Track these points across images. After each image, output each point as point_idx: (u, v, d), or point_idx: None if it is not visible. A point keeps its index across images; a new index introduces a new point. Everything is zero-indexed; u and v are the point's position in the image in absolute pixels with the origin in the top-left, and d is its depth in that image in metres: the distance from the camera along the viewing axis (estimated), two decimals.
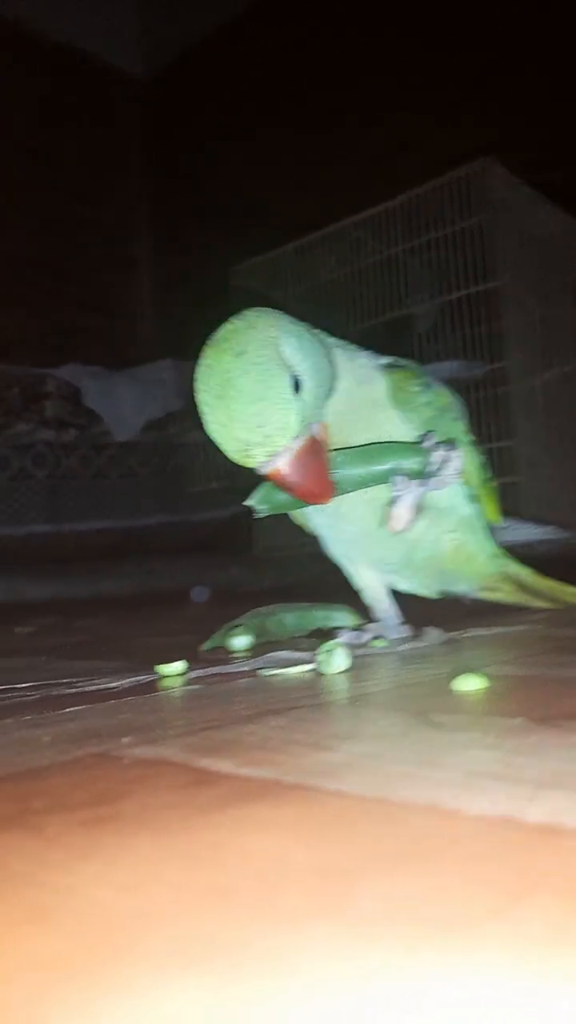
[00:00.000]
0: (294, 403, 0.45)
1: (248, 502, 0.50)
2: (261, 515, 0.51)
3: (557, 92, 2.04)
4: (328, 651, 0.41)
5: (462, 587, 0.68)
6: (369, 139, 2.32)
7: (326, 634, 0.65)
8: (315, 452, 0.47)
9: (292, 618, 0.65)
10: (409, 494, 0.53)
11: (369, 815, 0.19)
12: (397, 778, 0.22)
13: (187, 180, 2.72)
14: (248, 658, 0.50)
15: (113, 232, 2.71)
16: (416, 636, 0.59)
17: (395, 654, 0.50)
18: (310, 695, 0.36)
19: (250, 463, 0.45)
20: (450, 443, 0.53)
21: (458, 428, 0.61)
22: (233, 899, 0.15)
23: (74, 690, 0.42)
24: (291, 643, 0.60)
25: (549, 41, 2.05)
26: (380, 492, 0.56)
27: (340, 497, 0.55)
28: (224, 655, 0.56)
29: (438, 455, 0.52)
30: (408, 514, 0.54)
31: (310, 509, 0.61)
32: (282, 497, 0.50)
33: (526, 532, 0.78)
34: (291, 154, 2.44)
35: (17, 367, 2.16)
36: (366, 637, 0.58)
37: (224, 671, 0.44)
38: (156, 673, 0.45)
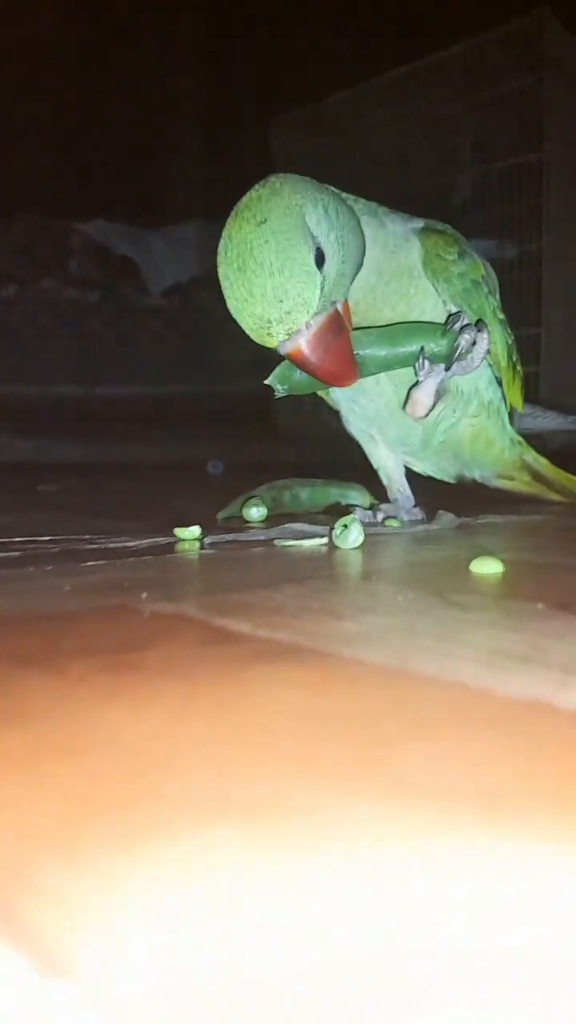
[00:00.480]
0: (316, 276, 0.43)
1: (267, 381, 0.50)
2: (279, 395, 0.50)
3: None
4: (344, 525, 0.43)
5: (479, 473, 0.68)
6: None
7: (341, 510, 0.67)
8: (337, 330, 0.45)
9: (307, 493, 0.66)
10: (432, 379, 0.53)
11: (395, 684, 0.19)
12: (417, 651, 0.22)
13: (230, 25, 2.51)
14: (264, 528, 0.52)
15: (152, 80, 2.54)
16: (430, 519, 0.60)
17: (408, 534, 0.52)
18: (326, 567, 0.38)
19: (270, 342, 0.44)
20: (479, 324, 0.52)
21: (491, 304, 0.59)
22: (271, 751, 0.15)
23: (94, 546, 0.44)
24: (306, 517, 0.61)
25: None
26: (405, 371, 0.56)
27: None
28: (240, 524, 0.58)
29: (466, 338, 0.51)
30: (428, 400, 0.54)
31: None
32: (301, 377, 0.50)
33: (547, 421, 0.77)
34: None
35: (45, 218, 2.08)
36: (380, 516, 0.59)
37: (240, 539, 0.46)
38: (174, 536, 0.47)
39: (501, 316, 0.61)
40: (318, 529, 0.48)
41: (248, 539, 0.46)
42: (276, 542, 0.44)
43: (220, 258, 0.44)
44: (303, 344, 0.44)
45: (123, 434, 2.15)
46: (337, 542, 0.43)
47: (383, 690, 0.19)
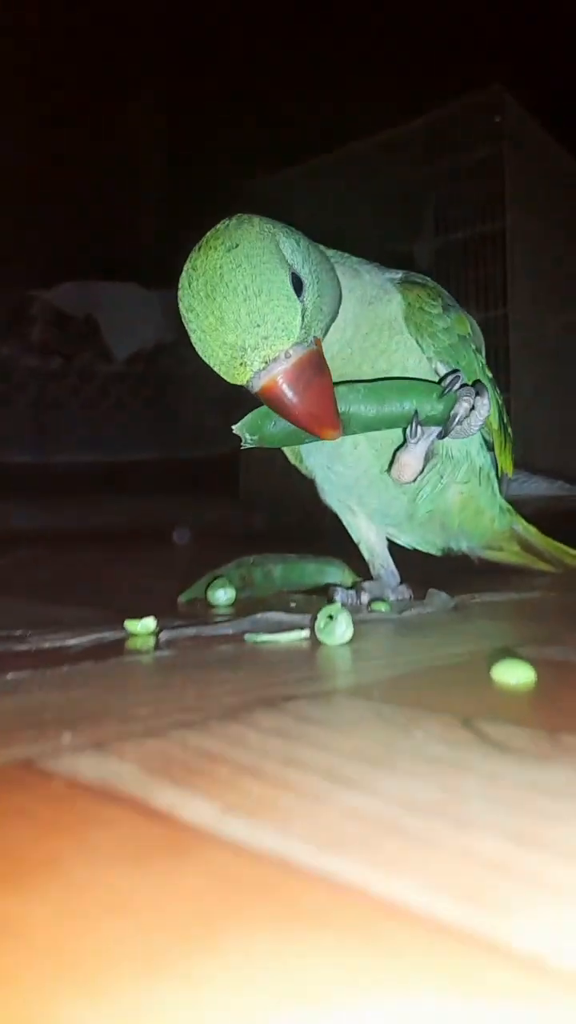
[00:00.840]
0: (295, 302, 0.38)
1: (236, 428, 0.43)
2: (249, 445, 0.44)
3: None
4: (329, 616, 0.35)
5: (466, 544, 0.63)
6: (383, 62, 2.17)
7: (318, 591, 0.60)
8: (318, 368, 0.40)
9: (280, 570, 0.59)
10: (423, 442, 0.47)
11: (467, 966, 0.10)
12: (489, 877, 0.13)
13: (196, 96, 2.56)
14: (232, 617, 0.44)
15: (117, 149, 2.55)
16: (421, 600, 0.53)
17: (400, 621, 0.45)
18: (310, 677, 0.30)
19: (242, 375, 0.38)
20: (476, 386, 0.46)
21: (479, 362, 0.54)
22: None
23: (24, 646, 0.36)
24: (281, 601, 0.54)
25: None
26: (387, 434, 0.50)
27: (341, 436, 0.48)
28: (204, 609, 0.51)
29: (465, 404, 0.45)
30: (418, 464, 0.48)
31: (306, 447, 0.54)
32: (275, 428, 0.43)
33: (533, 486, 0.72)
34: (303, 70, 2.29)
35: (3, 287, 2.04)
36: (364, 597, 0.52)
37: (203, 632, 0.38)
38: (124, 630, 0.39)
39: (489, 375, 0.55)
40: (296, 619, 0.41)
41: (213, 633, 0.38)
42: (247, 637, 0.37)
43: (183, 291, 0.38)
44: (281, 376, 0.38)
45: (83, 502, 2.08)
46: (321, 637, 0.36)
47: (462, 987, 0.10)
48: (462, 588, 0.62)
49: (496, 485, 0.60)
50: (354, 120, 1.83)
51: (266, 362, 0.37)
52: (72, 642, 0.37)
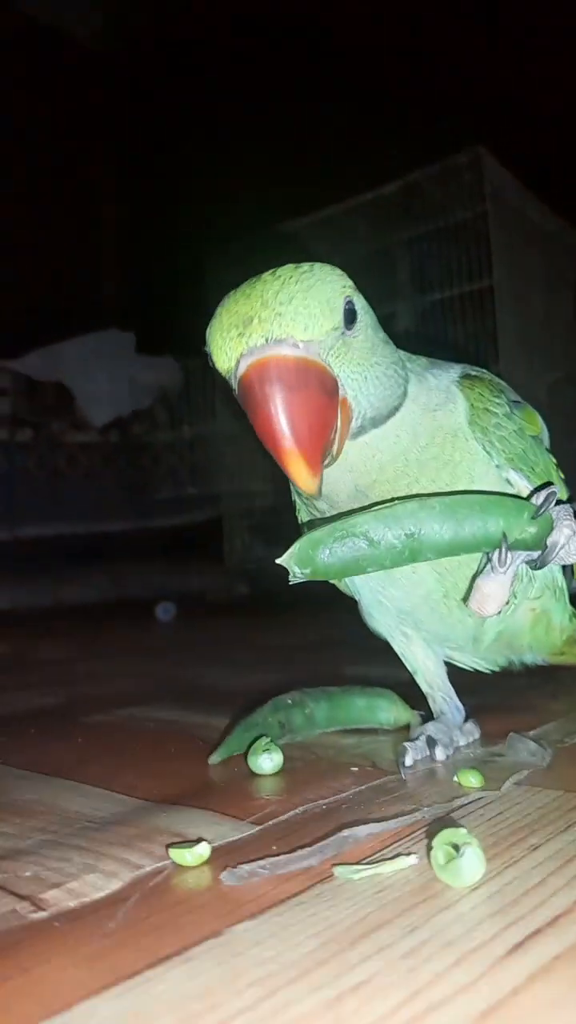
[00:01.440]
0: (337, 311, 0.34)
1: (281, 561, 0.35)
2: (298, 580, 0.35)
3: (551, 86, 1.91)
4: (452, 846, 0.26)
5: (530, 658, 0.54)
6: (355, 125, 2.17)
7: (368, 732, 0.51)
8: (325, 387, 0.33)
9: (324, 709, 0.50)
10: (510, 569, 0.38)
11: None
12: None
13: (158, 159, 2.53)
14: (309, 842, 0.35)
15: (77, 215, 2.51)
16: (496, 746, 0.44)
17: (506, 800, 0.36)
18: (466, 965, 0.21)
19: (232, 352, 0.33)
20: (574, 507, 0.38)
21: (551, 465, 0.46)
22: None
23: (19, 922, 0.26)
24: (367, 808, 0.45)
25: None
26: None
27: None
28: (245, 781, 0.41)
29: (567, 528, 0.37)
30: (504, 594, 0.39)
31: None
32: (329, 556, 0.35)
33: None
34: (273, 136, 2.27)
35: None
36: (440, 754, 0.43)
37: (279, 868, 0.28)
38: (167, 857, 0.30)
39: (562, 475, 0.48)
40: (401, 822, 0.31)
41: (291, 868, 0.28)
42: (338, 871, 0.28)
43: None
44: (272, 362, 0.32)
45: (55, 577, 1.97)
46: (442, 875, 0.27)
47: None
48: (519, 711, 0.54)
49: (567, 595, 0.52)
50: (329, 183, 1.81)
51: (266, 340, 0.32)
52: (104, 894, 0.27)
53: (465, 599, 0.42)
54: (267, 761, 0.42)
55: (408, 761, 0.42)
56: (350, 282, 0.36)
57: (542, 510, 0.37)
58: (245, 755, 0.43)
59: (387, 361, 0.39)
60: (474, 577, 0.41)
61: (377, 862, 0.28)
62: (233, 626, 1.47)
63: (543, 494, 0.37)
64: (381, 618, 0.49)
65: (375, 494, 0.40)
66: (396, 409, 0.39)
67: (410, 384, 0.41)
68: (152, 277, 2.38)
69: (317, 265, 0.35)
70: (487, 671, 0.54)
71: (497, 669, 0.54)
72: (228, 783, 0.41)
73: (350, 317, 0.35)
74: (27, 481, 2.03)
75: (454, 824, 0.29)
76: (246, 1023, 0.19)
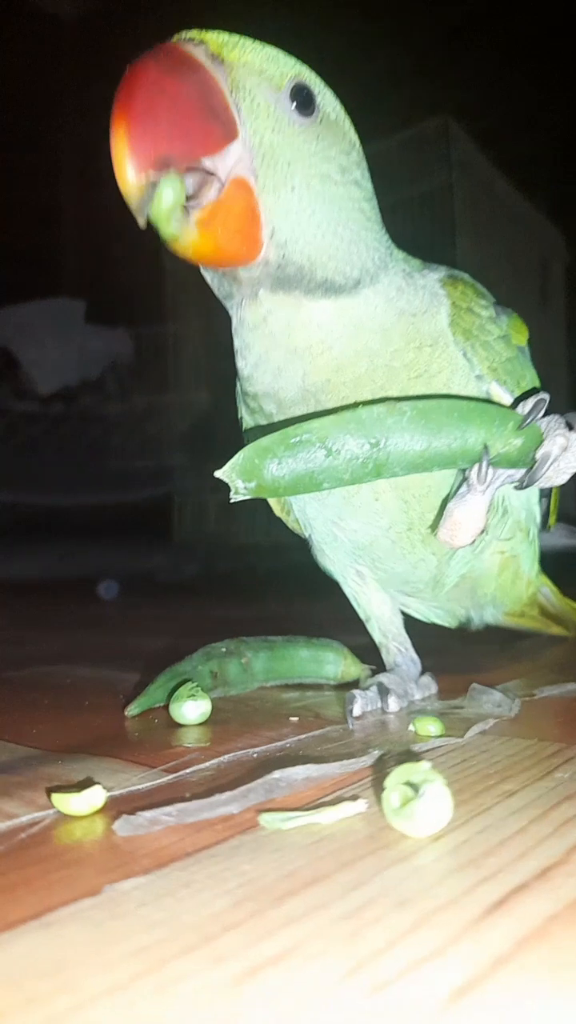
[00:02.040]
0: (271, 62, 0.30)
1: (221, 474, 0.29)
2: (242, 497, 0.29)
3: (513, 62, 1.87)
4: (410, 785, 0.21)
5: (491, 614, 0.49)
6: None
7: (312, 687, 0.45)
8: (188, 67, 0.28)
9: (263, 659, 0.44)
10: (488, 492, 0.33)
11: None
12: None
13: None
14: (218, 764, 0.29)
15: (37, 180, 2.40)
16: (457, 698, 0.39)
17: (468, 747, 0.30)
18: (429, 929, 0.15)
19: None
20: (568, 416, 0.33)
21: (538, 381, 0.41)
22: None
23: None
24: (270, 711, 0.39)
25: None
26: (418, 479, 0.36)
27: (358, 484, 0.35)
28: (166, 733, 0.35)
29: (559, 438, 0.31)
30: (479, 522, 0.34)
31: (306, 497, 0.40)
32: (279, 467, 0.29)
33: (555, 538, 0.59)
34: None
35: None
36: (393, 704, 0.37)
37: (188, 815, 0.22)
38: (52, 806, 0.24)
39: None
40: (345, 765, 0.26)
41: (203, 815, 0.22)
42: (264, 820, 0.22)
43: None
44: (168, 47, 0.28)
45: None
46: (395, 822, 0.21)
47: None
48: (481, 670, 0.49)
49: (538, 543, 0.47)
50: None
51: (180, 39, 0.29)
52: None
53: (433, 528, 0.37)
54: (192, 709, 0.35)
55: (356, 710, 0.36)
56: (310, 72, 0.32)
57: (529, 419, 0.31)
58: (168, 705, 0.37)
59: (351, 203, 0.33)
60: (444, 504, 0.36)
61: (315, 809, 0.22)
62: (176, 603, 1.41)
63: (531, 401, 0.32)
64: (333, 555, 0.43)
65: (331, 399, 0.34)
66: (357, 285, 0.33)
67: (386, 272, 0.35)
68: (108, 245, 2.29)
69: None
70: (444, 624, 0.49)
71: (454, 624, 0.49)
72: (144, 733, 0.35)
73: (301, 99, 0.31)
74: None
75: (412, 759, 0.23)
76: (113, 1009, 0.13)
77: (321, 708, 0.39)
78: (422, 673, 0.43)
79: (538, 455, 0.32)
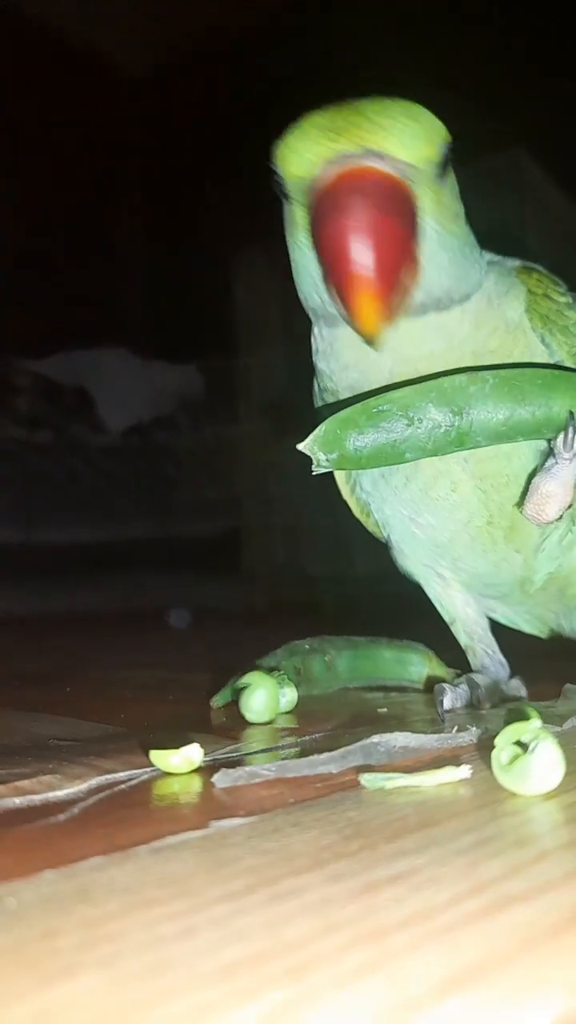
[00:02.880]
0: (434, 146, 0.30)
1: (303, 446, 0.29)
2: (323, 469, 0.30)
3: None
4: (518, 744, 0.20)
5: None
6: None
7: (399, 687, 0.44)
8: (409, 222, 0.29)
9: (347, 659, 0.43)
10: (574, 460, 0.32)
11: None
12: None
13: (184, 169, 2.54)
14: (311, 738, 0.28)
15: (104, 223, 2.51)
16: (552, 700, 0.38)
17: (565, 736, 0.29)
18: (551, 861, 0.15)
19: (313, 155, 0.28)
20: None
21: None
22: None
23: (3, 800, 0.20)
24: (356, 703, 0.38)
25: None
26: (497, 469, 0.36)
27: (433, 467, 0.35)
28: (257, 724, 0.35)
29: None
30: (568, 494, 0.33)
31: (384, 491, 0.39)
32: (360, 439, 0.29)
33: None
34: None
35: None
36: (485, 701, 0.36)
37: (289, 771, 0.22)
38: (150, 764, 0.24)
39: None
40: (444, 739, 0.25)
41: (304, 771, 0.22)
42: (365, 779, 0.21)
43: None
44: (368, 173, 0.28)
45: (70, 583, 1.92)
46: (505, 780, 0.20)
47: None
48: (567, 678, 0.47)
49: None
50: None
51: (362, 149, 0.28)
52: (65, 792, 0.21)
53: (521, 508, 0.36)
54: (283, 697, 0.35)
55: (447, 703, 0.35)
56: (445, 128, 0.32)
57: None
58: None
59: (465, 236, 0.34)
60: (528, 482, 0.35)
61: (416, 776, 0.22)
62: (245, 631, 1.41)
63: None
64: (413, 555, 0.42)
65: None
66: (467, 297, 0.34)
67: (485, 277, 0.35)
68: (176, 283, 2.37)
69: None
70: (534, 633, 0.48)
71: (545, 633, 0.48)
72: (232, 720, 0.35)
73: (444, 163, 0.31)
74: (43, 483, 1.99)
75: (522, 717, 0.22)
76: (229, 914, 0.13)
77: (409, 705, 0.38)
78: (511, 677, 0.42)
79: None
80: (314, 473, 0.30)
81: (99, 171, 2.44)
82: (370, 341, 0.29)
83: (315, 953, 0.12)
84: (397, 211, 0.28)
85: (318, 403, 0.40)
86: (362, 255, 0.27)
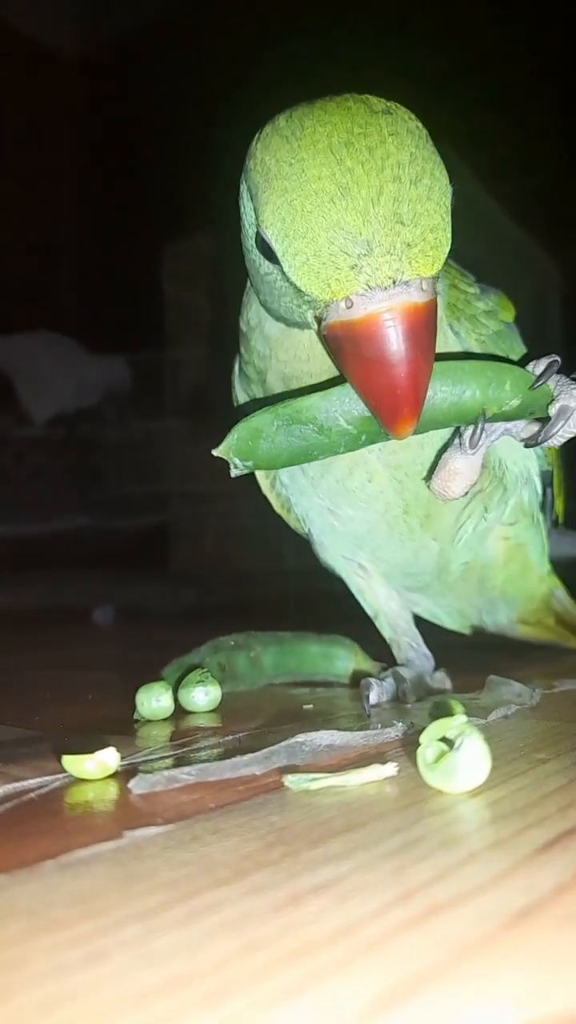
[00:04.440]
0: (449, 235, 0.26)
1: (218, 452, 0.29)
2: (239, 472, 0.30)
3: None
4: (443, 741, 0.19)
5: (504, 615, 0.48)
6: None
7: (325, 683, 0.43)
8: (432, 332, 0.27)
9: (273, 654, 0.43)
10: (483, 447, 0.32)
11: None
12: None
13: (119, 160, 2.48)
14: (233, 737, 0.27)
15: (33, 213, 2.43)
16: (475, 692, 0.38)
17: (489, 728, 0.29)
18: (481, 864, 0.14)
19: (341, 286, 0.25)
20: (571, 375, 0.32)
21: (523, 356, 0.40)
22: None
23: None
24: (282, 699, 0.38)
25: None
26: (411, 458, 0.35)
27: (348, 458, 0.35)
28: (176, 719, 0.33)
29: (573, 393, 0.31)
30: (473, 473, 0.33)
31: (301, 485, 0.39)
32: (271, 444, 0.29)
33: (569, 546, 0.58)
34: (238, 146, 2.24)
35: None
36: (411, 695, 0.36)
37: (210, 774, 0.21)
38: (63, 770, 0.22)
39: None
40: (369, 736, 0.24)
41: (225, 774, 0.21)
42: (288, 780, 0.20)
43: (277, 140, 0.26)
44: (405, 313, 0.25)
45: None
46: (431, 778, 0.20)
47: None
48: (496, 671, 0.47)
49: (546, 534, 0.46)
50: None
51: (394, 281, 0.25)
52: None
53: (429, 484, 0.35)
54: (201, 695, 0.34)
55: (373, 697, 0.35)
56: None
57: (543, 379, 0.31)
58: (175, 694, 0.36)
59: None
60: (438, 457, 0.35)
61: (341, 775, 0.21)
62: (174, 630, 1.39)
63: (543, 362, 0.31)
64: (333, 547, 0.42)
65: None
66: None
67: None
68: (106, 275, 2.32)
69: (405, 118, 0.27)
70: (456, 629, 0.48)
71: (467, 628, 0.48)
72: (152, 723, 0.34)
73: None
74: None
75: (447, 712, 0.22)
76: (142, 934, 0.12)
77: (335, 700, 0.38)
78: (436, 669, 0.42)
79: (556, 408, 0.31)
80: (232, 476, 0.30)
81: (28, 160, 2.36)
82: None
83: (235, 976, 0.11)
84: (430, 337, 0.27)
85: (236, 380, 0.39)
86: (406, 398, 0.26)
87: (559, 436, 0.31)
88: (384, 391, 0.26)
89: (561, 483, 0.45)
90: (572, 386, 0.31)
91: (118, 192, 2.41)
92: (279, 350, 0.34)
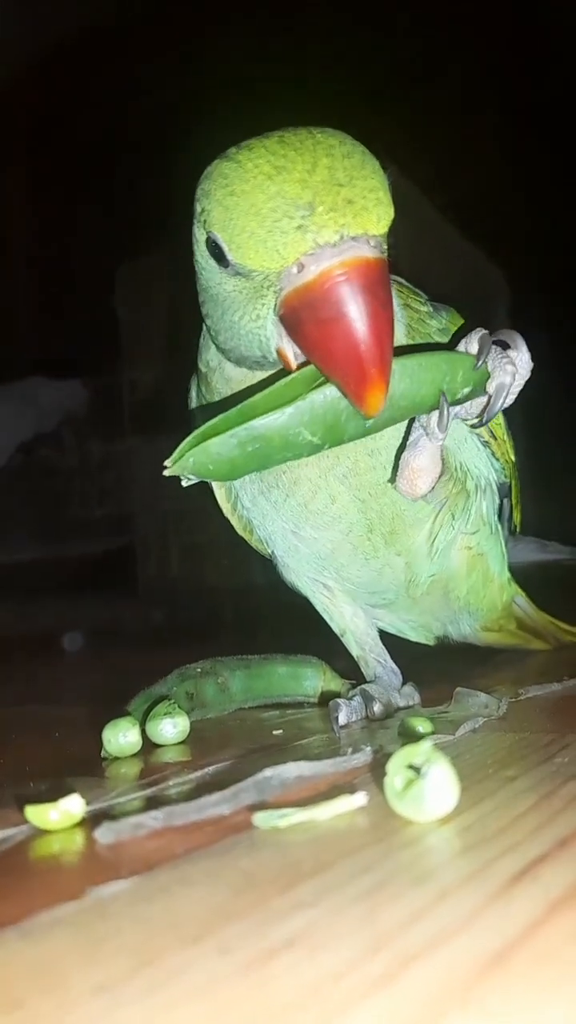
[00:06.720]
0: (391, 200, 0.27)
1: (170, 462, 0.28)
2: (192, 482, 0.29)
3: None
4: (411, 768, 0.19)
5: (468, 625, 0.49)
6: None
7: (295, 704, 0.43)
8: (391, 294, 0.27)
9: (240, 679, 0.42)
10: (439, 438, 0.32)
11: None
12: None
13: (72, 174, 2.46)
14: (203, 774, 0.27)
15: None
16: (443, 705, 0.38)
17: (461, 745, 0.29)
18: (453, 901, 0.14)
19: (288, 248, 0.25)
20: (496, 338, 0.32)
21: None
22: None
23: None
24: (252, 725, 0.37)
25: None
26: (373, 479, 0.36)
27: (310, 482, 0.35)
28: (145, 753, 0.33)
29: (509, 366, 0.31)
30: (436, 468, 0.34)
31: (265, 509, 0.38)
32: (223, 452, 0.28)
33: (521, 552, 0.58)
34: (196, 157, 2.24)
35: None
36: (378, 710, 0.36)
37: (175, 819, 0.21)
38: (26, 821, 0.22)
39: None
40: (338, 763, 0.24)
41: (192, 817, 0.21)
42: (258, 819, 0.20)
43: (225, 159, 0.28)
44: (358, 268, 0.25)
45: None
46: (400, 807, 0.19)
47: None
48: (463, 680, 0.47)
49: (504, 543, 0.46)
50: None
51: (341, 236, 0.25)
52: None
53: (394, 483, 0.35)
54: (169, 727, 0.34)
55: (342, 718, 0.35)
56: None
57: (482, 359, 0.31)
58: (143, 727, 0.35)
59: None
60: (397, 456, 0.35)
61: (312, 805, 0.21)
62: (143, 652, 1.37)
63: (475, 339, 0.31)
64: (298, 567, 0.41)
65: None
66: None
67: None
68: (59, 296, 2.29)
69: (342, 135, 0.28)
70: (421, 641, 0.48)
71: (431, 640, 0.48)
72: (121, 756, 0.33)
73: None
74: None
75: (414, 735, 0.22)
76: (106, 1008, 0.12)
77: (304, 722, 0.38)
78: (403, 683, 0.42)
79: (491, 388, 0.31)
80: (184, 486, 0.30)
81: None
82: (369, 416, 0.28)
83: None
84: (387, 294, 0.26)
85: (194, 400, 0.39)
86: (372, 356, 0.25)
87: (496, 411, 0.32)
88: (348, 354, 0.25)
89: (518, 495, 0.46)
90: (502, 358, 0.31)
91: (71, 214, 2.39)
92: (241, 392, 0.33)
